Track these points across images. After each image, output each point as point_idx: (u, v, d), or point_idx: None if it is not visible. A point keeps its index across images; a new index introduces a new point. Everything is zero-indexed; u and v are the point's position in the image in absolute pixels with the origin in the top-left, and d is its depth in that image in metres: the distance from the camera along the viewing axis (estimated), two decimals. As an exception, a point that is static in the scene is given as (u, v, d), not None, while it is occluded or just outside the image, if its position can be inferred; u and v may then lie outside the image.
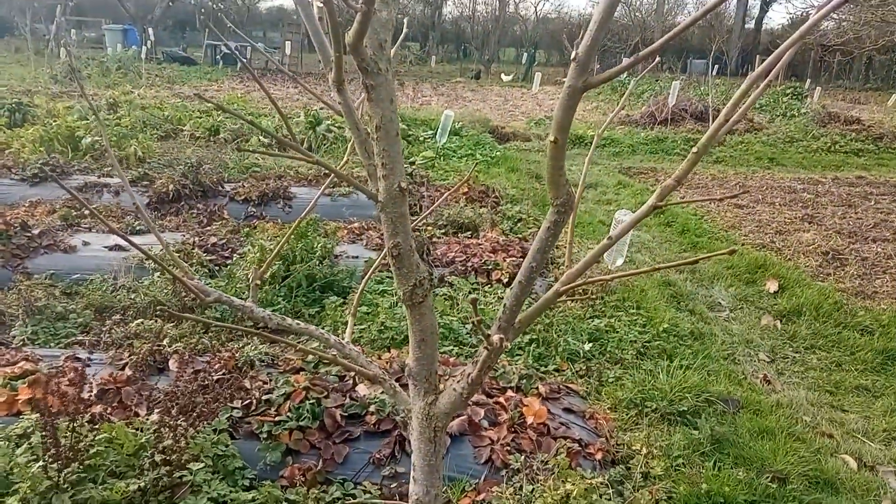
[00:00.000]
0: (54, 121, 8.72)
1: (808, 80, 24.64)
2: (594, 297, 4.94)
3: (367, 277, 1.98)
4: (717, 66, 27.63)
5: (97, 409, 2.90)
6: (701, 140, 1.31)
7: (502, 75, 29.66)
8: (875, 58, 35.03)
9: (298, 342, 3.69)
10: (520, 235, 6.27)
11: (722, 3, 1.26)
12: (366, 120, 1.31)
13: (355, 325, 4.07)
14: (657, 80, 24.09)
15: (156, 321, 3.98)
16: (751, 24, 42.02)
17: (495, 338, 1.32)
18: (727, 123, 1.33)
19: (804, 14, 37.63)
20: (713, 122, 1.40)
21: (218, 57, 27.23)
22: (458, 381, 1.55)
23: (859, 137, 13.15)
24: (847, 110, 17.56)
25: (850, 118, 14.54)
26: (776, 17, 41.03)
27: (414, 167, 8.60)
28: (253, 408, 3.02)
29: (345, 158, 2.02)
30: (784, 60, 1.34)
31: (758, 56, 31.91)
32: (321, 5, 1.50)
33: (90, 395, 3.00)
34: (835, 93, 27.29)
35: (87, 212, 6.11)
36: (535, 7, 42.44)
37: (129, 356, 3.39)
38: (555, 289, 1.29)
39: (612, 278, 1.42)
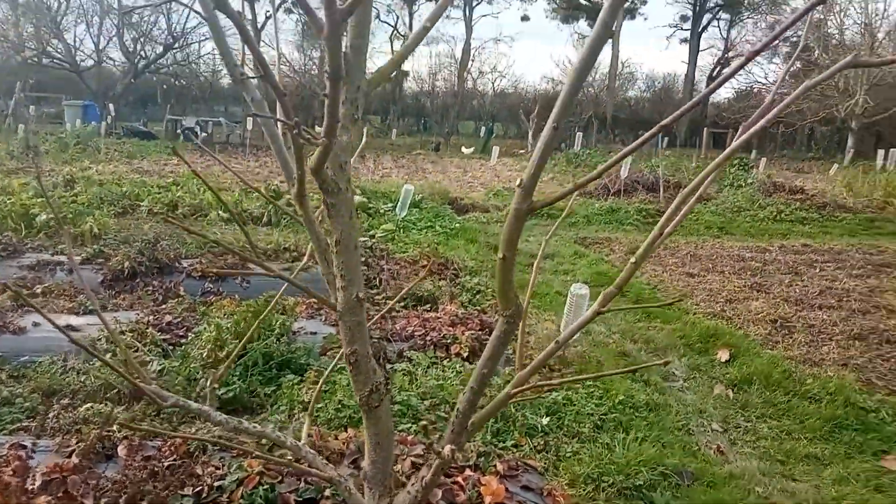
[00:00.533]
0: (9, 198, 8.63)
1: (754, 151, 25.77)
2: (552, 369, 4.99)
3: (322, 379, 2.00)
4: (666, 139, 28.73)
5: (41, 500, 2.81)
6: (638, 251, 1.40)
7: (463, 148, 30.36)
8: (816, 129, 36.97)
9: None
10: (479, 308, 6.33)
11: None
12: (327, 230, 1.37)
13: (316, 403, 4.04)
14: (609, 152, 24.91)
15: (106, 404, 3.89)
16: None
17: (447, 450, 1.36)
18: (661, 236, 1.41)
19: (748, 88, 39.72)
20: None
21: (178, 131, 27.38)
22: (413, 485, 1.57)
23: (804, 206, 13.72)
24: (791, 180, 18.35)
25: (794, 188, 15.20)
26: (722, 92, 43.05)
27: (374, 240, 8.68)
28: (204, 495, 2.95)
29: (304, 259, 2.07)
30: (710, 180, 1.45)
31: (705, 129, 33.42)
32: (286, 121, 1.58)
33: (34, 486, 2.90)
34: (779, 162, 28.53)
35: (38, 290, 6.01)
36: (493, 83, 43.89)
37: (77, 443, 3.30)
38: (506, 391, 1.35)
39: (561, 383, 1.48)
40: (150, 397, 1.51)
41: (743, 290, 7.71)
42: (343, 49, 1.13)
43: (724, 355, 5.59)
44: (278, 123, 1.49)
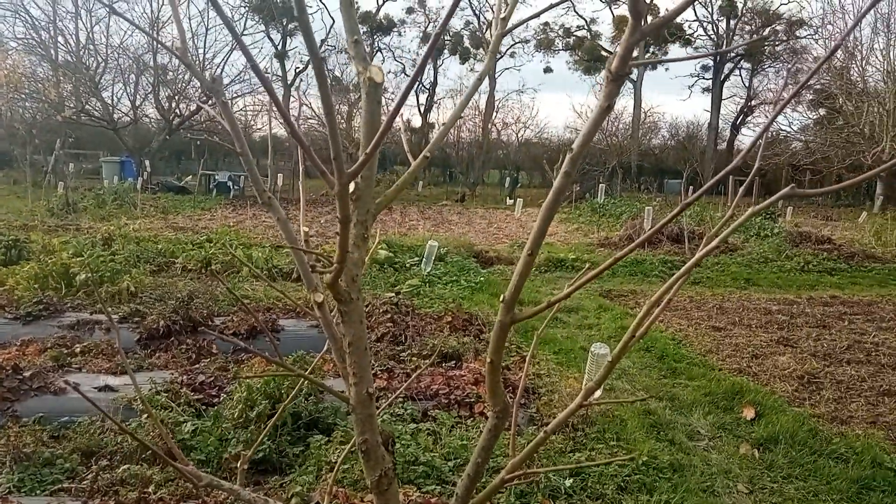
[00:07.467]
0: (49, 258, 8.97)
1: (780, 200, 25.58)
2: (576, 428, 5.03)
3: (350, 443, 2.11)
4: (691, 187, 28.73)
5: (81, 563, 2.94)
6: (615, 352, 1.52)
7: (508, 199, 30.63)
8: (844, 176, 36.73)
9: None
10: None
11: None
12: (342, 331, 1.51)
13: (343, 464, 4.12)
14: (636, 202, 24.98)
15: (142, 465, 4.03)
16: (723, 146, 44.16)
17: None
18: (634, 338, 1.52)
19: (774, 135, 39.72)
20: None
21: (211, 186, 28.13)
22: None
23: (831, 257, 13.61)
24: (819, 229, 18.23)
25: (821, 237, 15.11)
26: (746, 140, 42.93)
27: (400, 296, 8.83)
28: (236, 558, 3.05)
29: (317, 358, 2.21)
30: (681, 283, 1.58)
31: (731, 177, 33.32)
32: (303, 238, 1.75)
33: (75, 549, 3.03)
34: (807, 210, 28.35)
35: (77, 350, 6.22)
36: (517, 133, 44.51)
37: (115, 505, 3.43)
38: (500, 477, 1.46)
39: (546, 471, 1.58)
40: (186, 478, 1.64)
41: (769, 345, 7.68)
42: (357, 180, 1.30)
43: (749, 413, 5.58)
44: (301, 241, 1.65)
